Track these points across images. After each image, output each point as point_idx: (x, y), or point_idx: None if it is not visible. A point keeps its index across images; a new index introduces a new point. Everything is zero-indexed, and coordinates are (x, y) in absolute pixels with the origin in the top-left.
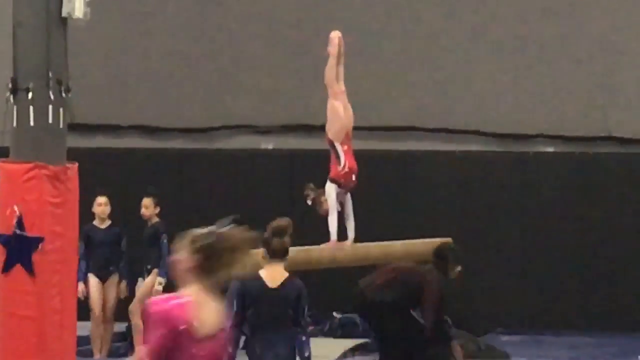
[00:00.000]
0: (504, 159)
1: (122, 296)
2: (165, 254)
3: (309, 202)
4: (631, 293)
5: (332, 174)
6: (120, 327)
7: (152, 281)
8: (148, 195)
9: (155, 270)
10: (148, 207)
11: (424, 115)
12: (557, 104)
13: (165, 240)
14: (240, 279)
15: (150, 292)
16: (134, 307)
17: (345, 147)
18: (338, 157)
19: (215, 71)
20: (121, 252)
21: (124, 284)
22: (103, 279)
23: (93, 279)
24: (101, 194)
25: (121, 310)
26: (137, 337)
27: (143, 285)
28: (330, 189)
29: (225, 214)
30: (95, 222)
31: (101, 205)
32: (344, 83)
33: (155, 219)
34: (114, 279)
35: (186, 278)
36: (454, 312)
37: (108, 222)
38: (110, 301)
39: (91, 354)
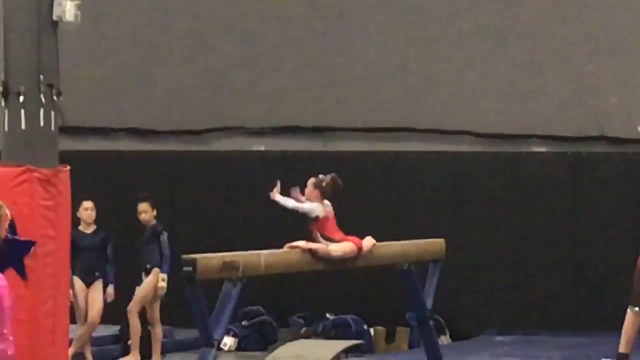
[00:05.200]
0: (496, 160)
1: (109, 300)
2: (167, 251)
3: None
4: (624, 292)
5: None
6: (113, 330)
7: (153, 280)
8: (143, 200)
9: (155, 269)
10: (147, 212)
11: (416, 115)
12: (549, 104)
13: (165, 238)
14: None
15: (150, 291)
16: (133, 307)
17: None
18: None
19: (207, 73)
20: (107, 257)
21: (111, 288)
22: (88, 283)
23: (78, 283)
24: (87, 199)
25: (113, 313)
26: (135, 338)
27: (143, 284)
28: (315, 207)
29: (216, 216)
30: (81, 227)
31: (87, 209)
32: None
33: (153, 222)
34: (99, 283)
35: None
36: (448, 312)
37: (94, 227)
38: (97, 305)
39: (83, 358)
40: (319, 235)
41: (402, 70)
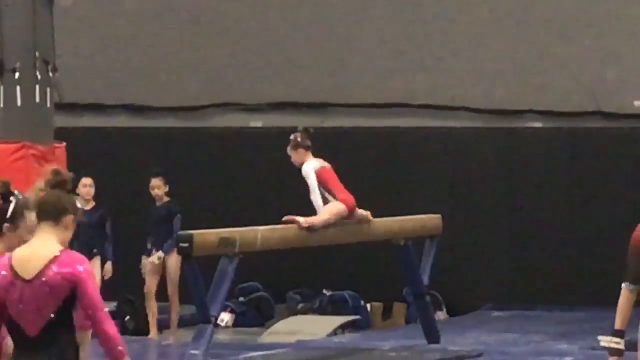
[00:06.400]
0: (492, 135)
1: (107, 277)
2: (176, 233)
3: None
4: (621, 267)
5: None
6: (110, 306)
7: (176, 261)
8: (156, 175)
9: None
10: (160, 187)
11: (412, 91)
12: (545, 79)
13: (178, 221)
14: None
15: (178, 270)
16: (171, 292)
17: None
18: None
19: (204, 49)
20: (105, 234)
21: (109, 264)
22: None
23: None
24: (86, 175)
25: (110, 290)
26: (174, 316)
27: (171, 269)
28: (309, 170)
29: (213, 192)
30: (80, 204)
31: (86, 186)
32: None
33: (166, 198)
34: (97, 260)
35: None
36: (445, 287)
37: (92, 204)
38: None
39: None
40: (322, 190)
41: (398, 46)
